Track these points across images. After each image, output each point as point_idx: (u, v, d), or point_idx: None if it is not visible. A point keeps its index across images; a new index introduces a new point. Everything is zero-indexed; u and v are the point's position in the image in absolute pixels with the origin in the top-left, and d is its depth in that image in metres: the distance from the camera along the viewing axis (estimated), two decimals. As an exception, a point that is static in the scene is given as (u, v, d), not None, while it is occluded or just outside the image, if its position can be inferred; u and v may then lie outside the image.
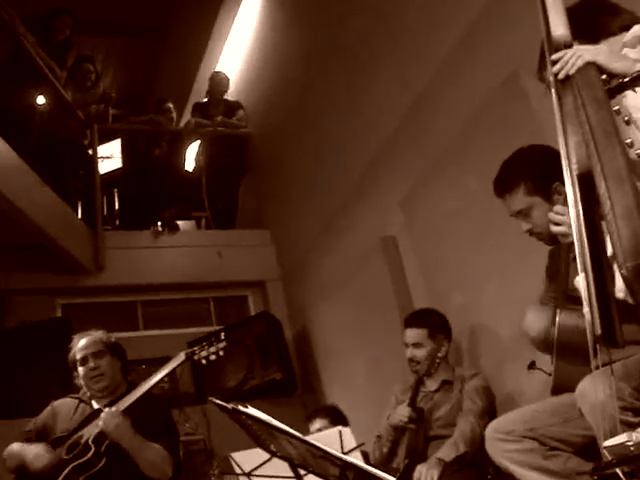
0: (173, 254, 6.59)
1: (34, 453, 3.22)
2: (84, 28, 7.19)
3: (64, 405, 3.51)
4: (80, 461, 3.12)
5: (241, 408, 2.09)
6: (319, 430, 3.97)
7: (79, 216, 6.42)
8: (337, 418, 4.21)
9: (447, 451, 3.25)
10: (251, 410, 2.11)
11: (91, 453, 3.12)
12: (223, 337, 3.35)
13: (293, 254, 6.50)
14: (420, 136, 4.47)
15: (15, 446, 3.36)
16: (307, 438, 2.19)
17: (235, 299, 6.89)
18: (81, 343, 3.49)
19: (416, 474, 3.12)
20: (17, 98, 6.02)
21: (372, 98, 5.00)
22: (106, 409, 3.22)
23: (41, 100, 6.10)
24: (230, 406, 2.11)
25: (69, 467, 3.13)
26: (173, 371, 3.33)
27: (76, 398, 3.51)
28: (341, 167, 5.50)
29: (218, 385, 5.73)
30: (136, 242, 6.56)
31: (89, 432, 3.20)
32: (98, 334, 3.55)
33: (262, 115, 7.21)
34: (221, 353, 3.33)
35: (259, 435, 2.21)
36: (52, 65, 6.23)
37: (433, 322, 3.74)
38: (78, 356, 3.46)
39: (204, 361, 3.34)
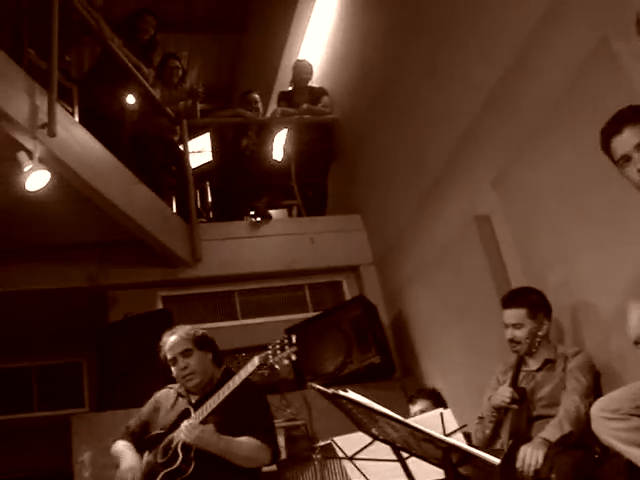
0: (267, 243, 6.67)
1: (128, 465, 3.29)
2: (167, 26, 7.36)
3: (164, 398, 3.57)
4: (171, 469, 3.18)
5: (341, 393, 2.09)
6: (421, 412, 3.95)
7: (174, 210, 6.59)
8: (438, 401, 4.18)
9: (552, 431, 3.17)
10: (351, 394, 2.11)
11: (179, 461, 3.16)
12: (294, 340, 3.28)
13: (385, 237, 6.47)
14: (509, 111, 4.35)
15: (119, 446, 3.46)
16: (408, 421, 2.18)
17: (330, 285, 6.91)
18: (169, 343, 3.52)
19: (520, 454, 3.06)
20: (108, 99, 6.19)
21: (457, 74, 4.90)
22: (185, 422, 3.22)
23: (131, 100, 6.27)
24: (330, 391, 2.11)
25: (160, 475, 3.19)
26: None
27: (175, 390, 3.57)
28: (429, 147, 5.42)
29: (317, 370, 5.78)
30: (230, 233, 6.67)
31: (178, 436, 3.24)
32: (184, 331, 3.56)
33: (347, 99, 7.18)
34: (293, 357, 3.27)
35: (360, 419, 2.21)
36: (139, 65, 6.39)
37: (532, 301, 3.64)
38: (168, 356, 3.51)
39: (277, 366, 3.29)
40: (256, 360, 3.24)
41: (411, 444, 2.12)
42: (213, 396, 3.25)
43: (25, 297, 6.04)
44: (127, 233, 5.75)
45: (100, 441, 3.51)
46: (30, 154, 4.51)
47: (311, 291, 6.85)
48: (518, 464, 3.00)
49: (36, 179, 4.57)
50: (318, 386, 2.38)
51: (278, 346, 3.25)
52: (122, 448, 3.42)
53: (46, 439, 6.96)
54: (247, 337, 6.10)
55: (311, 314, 6.46)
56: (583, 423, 3.10)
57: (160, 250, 6.05)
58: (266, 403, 3.54)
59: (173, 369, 3.50)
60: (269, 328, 6.33)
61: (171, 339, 3.53)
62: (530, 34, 4.03)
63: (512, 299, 3.69)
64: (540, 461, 3.01)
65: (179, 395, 3.52)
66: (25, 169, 4.49)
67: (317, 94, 7.59)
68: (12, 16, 4.95)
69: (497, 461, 1.81)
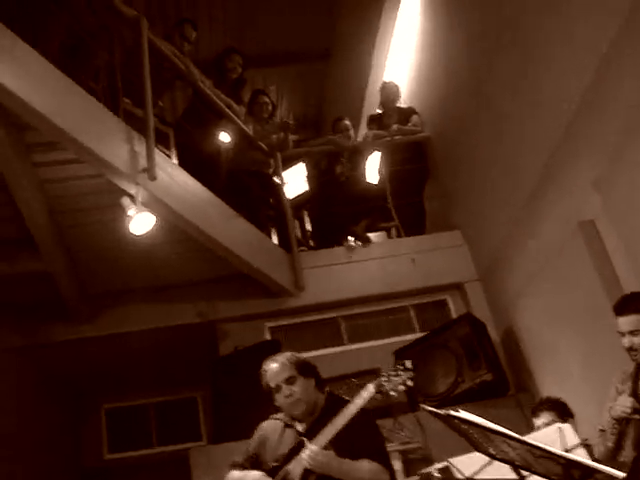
0: (368, 266, 6.67)
1: (258, 475, 3.28)
2: (254, 62, 7.53)
3: (270, 429, 3.52)
4: None
5: (453, 413, 2.05)
6: (545, 425, 3.81)
7: (274, 242, 6.69)
8: (564, 411, 4.01)
9: None
10: (464, 414, 2.07)
11: None
12: (410, 366, 3.23)
13: (488, 252, 6.35)
14: (606, 109, 4.21)
15: (236, 474, 3.42)
16: (525, 438, 2.11)
17: (435, 304, 6.83)
18: (271, 371, 3.46)
19: None
20: (202, 139, 6.39)
21: (547, 86, 4.79)
22: (306, 451, 3.18)
23: (225, 137, 6.43)
24: (443, 412, 2.08)
25: None
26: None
27: (280, 420, 3.52)
28: (524, 155, 5.31)
29: (429, 391, 5.72)
30: (331, 259, 6.71)
31: (295, 467, 3.19)
32: (286, 358, 3.50)
33: (437, 116, 7.14)
34: (409, 383, 3.22)
35: (476, 439, 2.17)
36: (230, 103, 6.56)
37: None
38: (271, 385, 3.44)
39: (393, 393, 3.25)
40: (371, 387, 3.21)
41: (530, 462, 2.06)
42: (328, 425, 3.24)
43: (139, 337, 6.25)
44: (231, 267, 5.89)
45: (219, 473, 3.52)
46: (133, 199, 4.69)
47: (416, 311, 6.78)
48: None
49: (141, 222, 4.74)
50: (430, 408, 2.35)
51: (393, 372, 3.21)
52: (239, 474, 3.39)
53: (166, 474, 7.15)
54: (355, 362, 6.09)
55: (418, 335, 6.39)
56: None
57: (264, 281, 6.16)
58: (377, 427, 3.50)
59: (277, 397, 3.45)
60: (376, 352, 6.31)
61: (273, 366, 3.47)
62: (625, 22, 3.89)
63: (625, 305, 3.53)
64: None
65: (286, 425, 3.47)
66: (129, 213, 4.67)
67: (406, 114, 7.59)
68: (106, 69, 5.18)
69: (622, 475, 1.73)
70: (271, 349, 5.73)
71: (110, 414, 7.75)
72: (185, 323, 6.29)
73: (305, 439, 3.26)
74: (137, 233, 4.80)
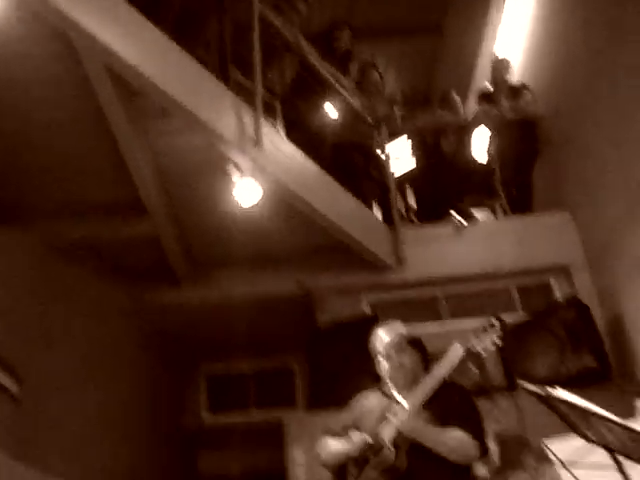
0: (471, 244, 6.57)
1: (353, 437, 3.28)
2: (363, 35, 7.48)
3: (368, 399, 3.51)
4: (386, 467, 3.11)
5: (554, 393, 1.98)
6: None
7: (377, 215, 6.67)
8: None
9: None
10: (564, 394, 1.99)
11: (394, 457, 3.10)
12: (496, 324, 3.13)
13: (597, 235, 6.13)
14: None
15: (331, 442, 3.41)
16: (626, 422, 2.03)
17: (538, 286, 6.65)
18: (386, 338, 3.48)
19: None
20: (309, 111, 6.41)
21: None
22: (398, 409, 3.18)
23: (331, 110, 6.43)
24: (542, 391, 2.01)
25: (377, 471, 3.13)
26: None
27: (379, 391, 3.51)
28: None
29: (529, 374, 5.57)
30: (434, 236, 6.64)
31: (388, 433, 3.17)
32: (401, 328, 3.53)
33: (551, 92, 6.91)
34: (498, 342, 3.12)
35: (573, 421, 2.10)
36: (338, 76, 6.55)
37: None
38: (383, 350, 3.45)
39: (483, 353, 3.17)
40: (458, 346, 3.15)
41: (628, 447, 1.98)
42: (418, 387, 3.22)
43: (240, 304, 6.36)
44: (333, 239, 5.91)
45: (313, 441, 3.55)
46: (240, 168, 4.77)
47: (519, 293, 6.63)
48: None
49: (247, 192, 4.83)
50: (530, 386, 2.30)
51: (481, 331, 3.15)
52: (336, 441, 3.38)
53: (261, 439, 7.31)
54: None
55: (520, 316, 6.26)
56: None
57: (365, 254, 6.16)
58: (472, 400, 3.43)
59: (385, 364, 3.46)
60: (477, 331, 6.21)
61: (388, 334, 3.50)
62: None
63: None
64: None
65: (384, 395, 3.47)
66: (237, 183, 4.76)
67: (518, 91, 7.38)
68: (216, 39, 5.26)
69: None
70: (369, 324, 5.74)
71: (210, 377, 7.99)
72: (285, 292, 6.38)
73: (401, 404, 3.25)
74: (244, 204, 4.89)
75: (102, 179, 5.24)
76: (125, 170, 4.98)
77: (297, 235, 6.03)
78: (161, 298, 6.44)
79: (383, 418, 3.27)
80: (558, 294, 6.50)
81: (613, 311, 5.94)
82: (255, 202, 4.91)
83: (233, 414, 7.83)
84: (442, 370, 3.18)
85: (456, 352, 3.16)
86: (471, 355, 3.18)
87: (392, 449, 3.13)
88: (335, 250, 6.14)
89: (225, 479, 7.74)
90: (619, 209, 5.59)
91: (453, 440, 3.12)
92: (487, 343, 3.13)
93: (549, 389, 1.92)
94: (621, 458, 2.28)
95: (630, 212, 5.42)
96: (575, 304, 5.84)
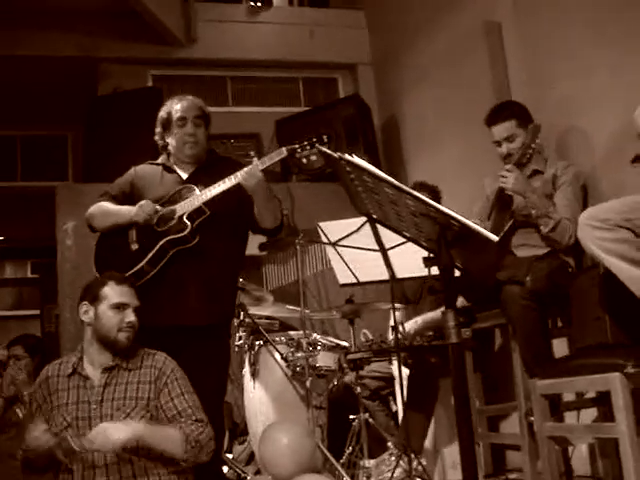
0: (265, 30, 6.45)
1: (139, 204, 3.18)
2: None
3: (147, 171, 3.42)
4: (176, 236, 3.10)
5: (347, 157, 1.97)
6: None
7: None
8: (435, 197, 4.02)
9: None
10: (357, 159, 1.98)
11: (188, 230, 3.08)
12: (326, 140, 3.16)
13: (388, 38, 6.23)
14: None
15: (107, 204, 3.30)
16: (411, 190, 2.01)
17: (325, 81, 6.77)
18: (181, 104, 3.33)
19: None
20: None
21: None
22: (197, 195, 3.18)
23: None
24: (337, 154, 2.00)
25: (165, 239, 3.11)
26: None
27: (158, 164, 3.42)
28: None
29: (304, 165, 5.74)
30: (229, 16, 6.42)
31: (183, 208, 3.15)
32: (198, 101, 3.39)
33: None
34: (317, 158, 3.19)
35: (358, 193, 2.09)
36: None
37: (518, 111, 3.54)
38: (176, 116, 3.31)
39: (305, 160, 3.21)
40: (284, 150, 3.15)
41: (406, 223, 2.05)
42: (220, 179, 3.15)
43: (14, 63, 5.88)
44: (122, 3, 5.49)
45: (84, 212, 3.43)
46: None
47: (305, 85, 6.71)
48: None
49: None
50: (324, 149, 2.30)
51: (307, 142, 3.15)
52: (114, 206, 3.29)
53: (30, 209, 7.06)
54: (237, 124, 6.06)
55: (303, 109, 6.37)
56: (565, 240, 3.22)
57: (155, 25, 5.84)
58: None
59: (176, 131, 3.32)
60: (259, 118, 6.29)
61: (184, 102, 3.34)
62: None
63: (498, 114, 3.54)
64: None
65: (165, 168, 3.38)
66: None
67: None
68: None
69: (495, 238, 1.76)
70: (151, 97, 5.56)
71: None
72: (65, 55, 5.95)
73: (192, 185, 3.21)
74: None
75: None
76: None
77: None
78: None
79: (175, 192, 3.23)
80: (342, 91, 6.66)
81: (391, 113, 6.20)
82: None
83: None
84: (260, 165, 3.11)
85: (279, 154, 3.14)
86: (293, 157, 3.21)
87: (187, 222, 3.11)
88: (124, 16, 5.74)
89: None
90: (413, 16, 5.65)
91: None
92: (311, 154, 3.16)
93: (343, 154, 1.93)
94: (387, 245, 2.44)
95: (421, 19, 5.51)
96: (356, 102, 6.00)
